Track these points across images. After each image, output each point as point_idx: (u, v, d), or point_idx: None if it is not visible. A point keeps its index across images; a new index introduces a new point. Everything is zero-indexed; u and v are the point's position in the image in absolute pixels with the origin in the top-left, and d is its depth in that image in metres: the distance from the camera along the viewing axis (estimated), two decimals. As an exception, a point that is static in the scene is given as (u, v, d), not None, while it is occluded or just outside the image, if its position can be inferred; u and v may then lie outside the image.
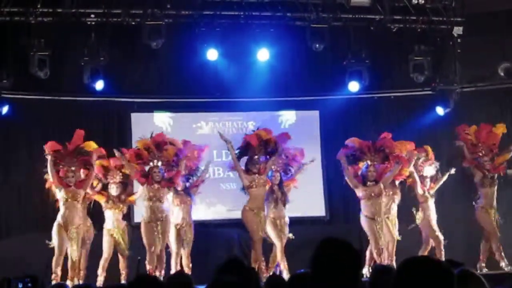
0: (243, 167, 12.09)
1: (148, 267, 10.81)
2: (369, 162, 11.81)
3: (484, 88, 14.32)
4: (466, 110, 13.85)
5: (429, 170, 12.18)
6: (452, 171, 12.37)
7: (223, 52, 13.39)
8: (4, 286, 5.75)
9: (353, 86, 13.37)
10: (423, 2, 12.85)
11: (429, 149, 12.34)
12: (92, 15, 12.08)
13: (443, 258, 10.82)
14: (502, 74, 14.12)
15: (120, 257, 12.07)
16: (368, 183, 11.69)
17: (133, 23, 12.35)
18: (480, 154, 12.28)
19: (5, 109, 12.73)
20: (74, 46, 12.53)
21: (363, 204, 11.99)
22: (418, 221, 12.30)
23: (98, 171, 12.15)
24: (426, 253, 11.99)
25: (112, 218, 12.20)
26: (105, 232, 11.83)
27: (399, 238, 11.78)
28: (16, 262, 11.03)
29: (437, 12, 12.90)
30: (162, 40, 12.25)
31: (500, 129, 12.35)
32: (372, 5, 12.69)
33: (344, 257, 3.06)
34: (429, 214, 12.29)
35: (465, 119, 13.57)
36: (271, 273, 11.34)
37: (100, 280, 11.22)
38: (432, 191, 12.23)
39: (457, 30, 12.96)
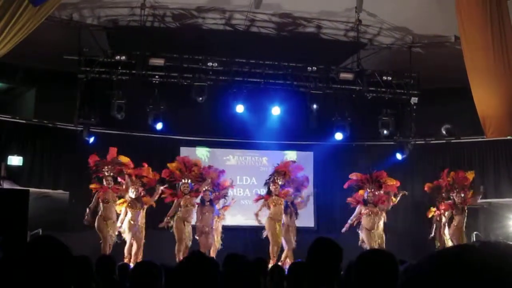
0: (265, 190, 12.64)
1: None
2: (368, 190, 11.32)
3: (431, 142, 14.36)
4: (417, 157, 14.37)
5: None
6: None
7: (247, 107, 14.13)
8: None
9: (338, 136, 13.82)
10: (390, 78, 13.01)
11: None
12: (156, 76, 12.68)
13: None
14: (444, 132, 14.04)
15: (134, 242, 11.69)
16: (368, 204, 11.27)
17: (185, 83, 12.81)
18: (455, 192, 11.91)
19: (91, 139, 13.29)
20: (142, 97, 13.04)
21: (363, 219, 12.28)
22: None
23: (121, 179, 11.86)
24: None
25: (130, 216, 11.65)
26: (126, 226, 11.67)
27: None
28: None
29: (400, 86, 13.01)
30: (205, 96, 12.89)
31: (471, 175, 12.47)
32: (354, 79, 12.64)
33: (329, 250, 2.95)
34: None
35: (416, 163, 13.58)
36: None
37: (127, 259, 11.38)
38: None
39: (414, 100, 13.40)
